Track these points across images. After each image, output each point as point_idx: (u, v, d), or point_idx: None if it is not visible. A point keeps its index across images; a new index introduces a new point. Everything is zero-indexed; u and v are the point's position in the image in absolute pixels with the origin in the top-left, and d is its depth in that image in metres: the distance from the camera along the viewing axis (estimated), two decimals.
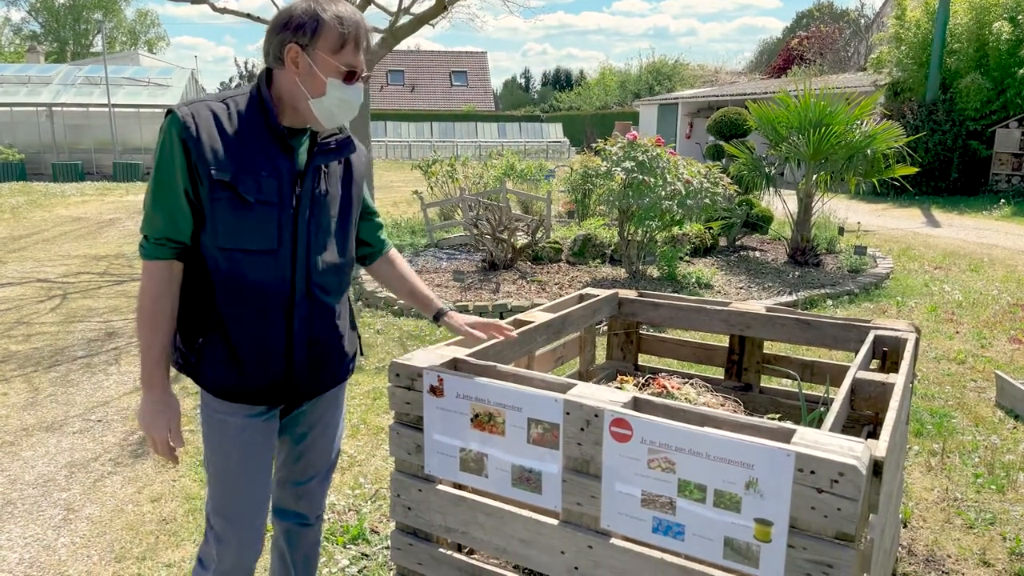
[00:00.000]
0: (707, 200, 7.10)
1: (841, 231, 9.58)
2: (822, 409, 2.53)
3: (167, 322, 1.74)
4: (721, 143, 11.76)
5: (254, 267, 1.73)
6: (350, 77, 1.74)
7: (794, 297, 6.81)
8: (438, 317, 2.10)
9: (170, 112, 1.68)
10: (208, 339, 1.78)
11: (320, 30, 1.69)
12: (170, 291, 1.73)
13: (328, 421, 2.05)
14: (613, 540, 1.73)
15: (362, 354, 2.12)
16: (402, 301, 6.64)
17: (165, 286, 1.72)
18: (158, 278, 1.72)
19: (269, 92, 1.75)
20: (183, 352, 1.83)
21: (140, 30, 52.01)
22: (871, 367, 2.34)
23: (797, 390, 2.72)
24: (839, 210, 11.43)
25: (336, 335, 1.93)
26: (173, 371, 1.85)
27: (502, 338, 2.19)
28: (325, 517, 3.11)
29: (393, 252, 2.14)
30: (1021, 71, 14.82)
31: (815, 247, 8.36)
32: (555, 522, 1.81)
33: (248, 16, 10.79)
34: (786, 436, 1.55)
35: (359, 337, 2.08)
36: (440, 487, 1.99)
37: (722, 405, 2.58)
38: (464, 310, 6.31)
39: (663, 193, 6.81)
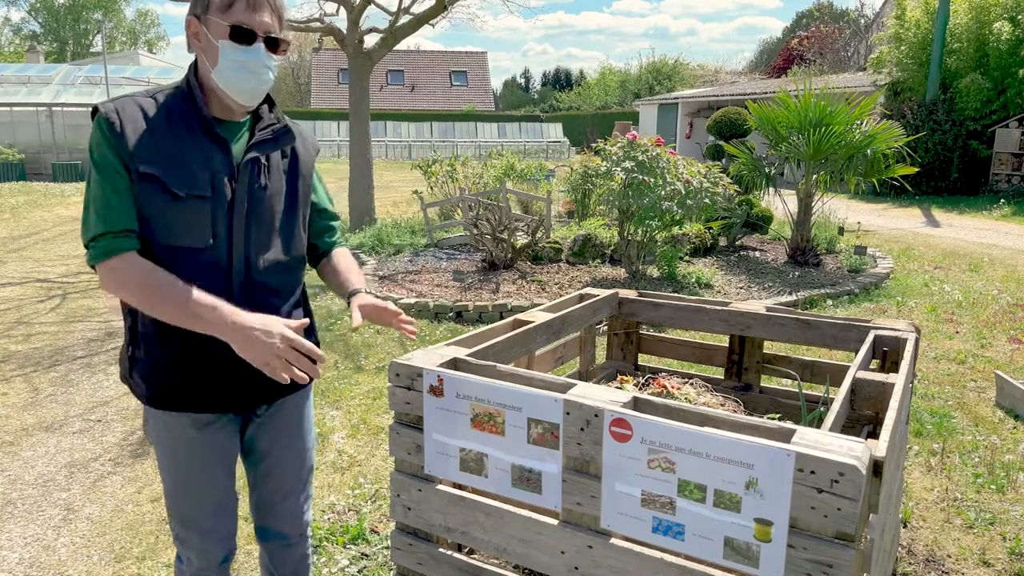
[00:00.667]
0: (707, 200, 7.10)
1: (841, 231, 9.59)
2: (822, 409, 2.53)
3: (175, 280, 1.59)
4: (721, 143, 11.76)
5: (187, 266, 1.63)
6: (240, 36, 1.62)
7: (794, 297, 6.81)
8: (350, 300, 1.91)
9: (96, 109, 1.62)
10: (141, 347, 1.71)
11: None
12: (149, 263, 1.61)
13: (293, 433, 1.95)
14: (613, 540, 1.73)
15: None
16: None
17: (149, 266, 1.60)
18: (131, 262, 1.59)
19: (197, 81, 1.69)
20: (124, 367, 1.78)
21: (140, 30, 52.04)
22: (871, 367, 2.34)
23: (797, 390, 2.72)
24: (839, 210, 11.43)
25: None
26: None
27: (400, 328, 1.91)
28: (325, 517, 3.12)
29: (337, 249, 2.01)
30: (1021, 71, 14.81)
31: (815, 247, 8.36)
32: (555, 522, 1.81)
33: None
34: (786, 436, 1.55)
35: (318, 342, 1.92)
36: (440, 487, 1.99)
37: (722, 405, 2.58)
38: (464, 310, 6.31)
39: (663, 193, 6.81)
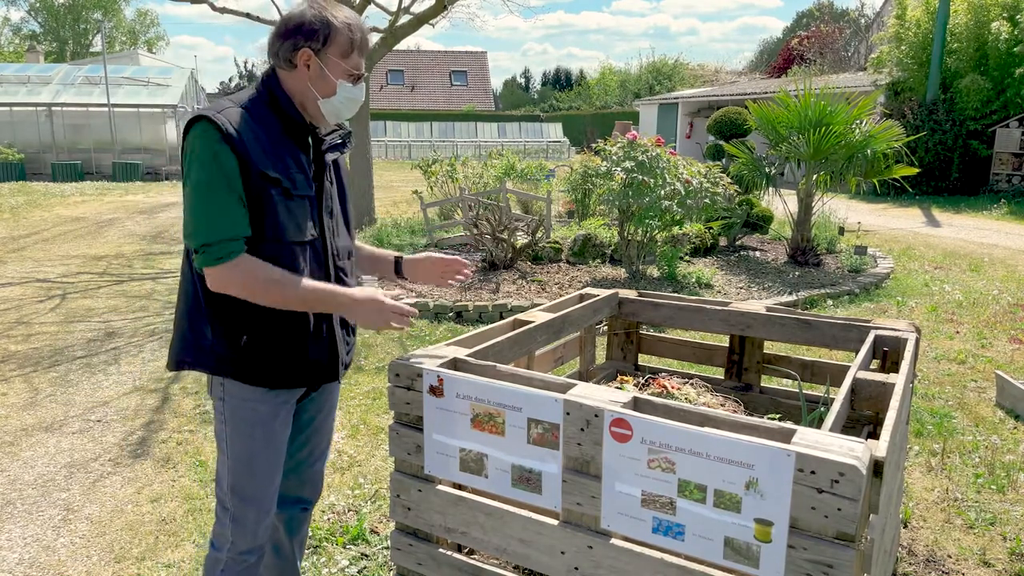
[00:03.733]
0: (707, 200, 7.10)
1: (841, 231, 9.58)
2: (822, 409, 2.53)
3: (291, 274, 1.79)
4: (721, 143, 11.75)
5: (298, 257, 1.84)
6: (357, 79, 1.88)
7: (794, 297, 6.81)
8: (398, 268, 2.19)
9: (201, 119, 1.74)
10: (254, 335, 1.83)
11: (332, 36, 1.81)
12: (262, 262, 1.77)
13: (332, 403, 2.17)
14: (613, 540, 1.73)
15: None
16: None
17: (262, 264, 1.76)
18: (249, 263, 1.75)
19: (282, 91, 1.85)
20: (219, 355, 1.84)
21: (140, 30, 51.94)
22: (871, 367, 2.34)
23: (797, 390, 2.72)
24: (839, 210, 11.42)
25: None
26: (171, 373, 1.85)
27: (456, 278, 2.19)
28: (325, 517, 3.12)
29: None
30: (1020, 71, 14.81)
31: (815, 247, 8.36)
32: (555, 522, 1.80)
33: (248, 16, 10.79)
34: (786, 436, 1.54)
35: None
36: (440, 487, 1.99)
37: (722, 405, 2.58)
38: (464, 310, 6.31)
39: (663, 193, 6.80)
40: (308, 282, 1.80)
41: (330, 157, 1.94)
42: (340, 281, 1.97)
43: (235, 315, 1.82)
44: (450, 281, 2.18)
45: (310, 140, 1.90)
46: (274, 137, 1.81)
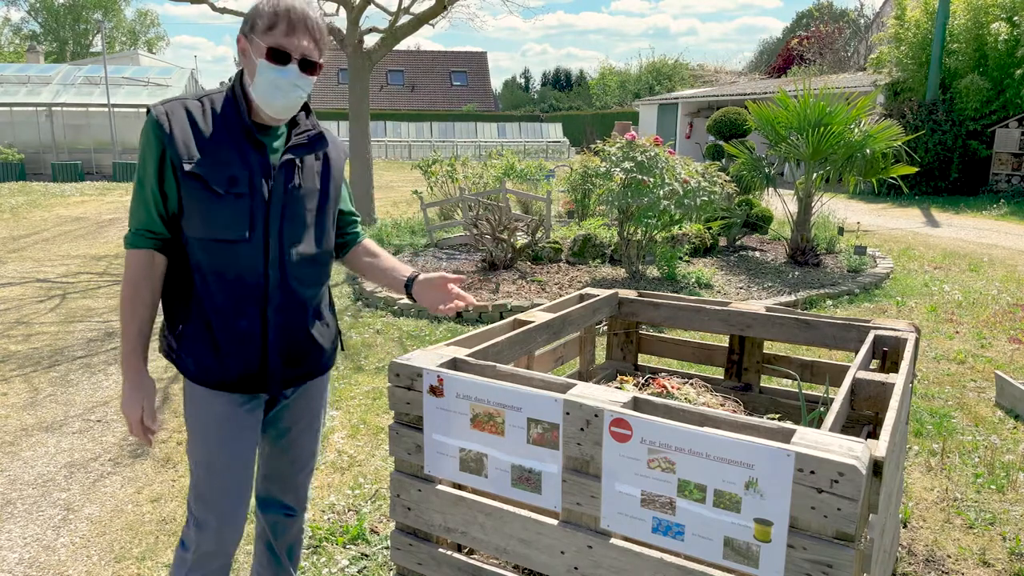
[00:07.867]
0: (705, 199, 7.10)
1: (841, 231, 9.58)
2: (822, 409, 2.53)
3: (145, 308, 1.80)
4: (721, 143, 11.76)
5: (228, 256, 1.79)
6: (276, 56, 1.74)
7: (794, 297, 6.81)
8: (409, 287, 2.03)
9: (149, 111, 1.77)
10: (188, 327, 1.84)
11: (257, 15, 1.77)
12: (148, 279, 1.80)
13: (313, 415, 2.10)
14: (613, 540, 1.73)
15: (342, 348, 2.17)
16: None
17: (143, 274, 1.79)
18: (136, 266, 1.79)
19: (242, 90, 1.83)
20: (168, 339, 1.90)
21: (140, 30, 51.96)
22: (871, 367, 2.34)
23: (797, 390, 2.72)
24: (839, 210, 11.42)
25: (313, 326, 1.97)
26: (171, 373, 1.86)
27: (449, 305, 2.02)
28: (325, 517, 3.12)
29: (366, 241, 2.16)
30: (1019, 71, 14.80)
31: (815, 247, 8.36)
32: (555, 522, 1.81)
33: None
34: (786, 436, 1.55)
35: (339, 331, 2.12)
36: (440, 487, 1.99)
37: (722, 405, 2.58)
38: (464, 310, 6.31)
39: (662, 193, 6.81)
40: (134, 332, 1.79)
41: (287, 157, 1.84)
42: (291, 289, 1.86)
43: (177, 302, 1.85)
44: (440, 308, 2.01)
45: (277, 139, 1.85)
46: (221, 134, 1.78)
